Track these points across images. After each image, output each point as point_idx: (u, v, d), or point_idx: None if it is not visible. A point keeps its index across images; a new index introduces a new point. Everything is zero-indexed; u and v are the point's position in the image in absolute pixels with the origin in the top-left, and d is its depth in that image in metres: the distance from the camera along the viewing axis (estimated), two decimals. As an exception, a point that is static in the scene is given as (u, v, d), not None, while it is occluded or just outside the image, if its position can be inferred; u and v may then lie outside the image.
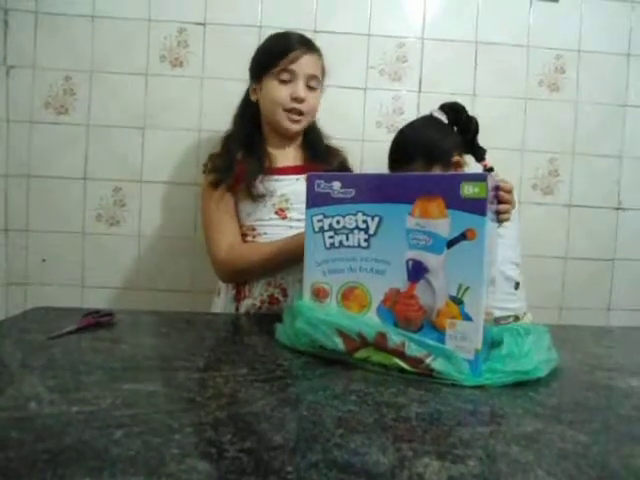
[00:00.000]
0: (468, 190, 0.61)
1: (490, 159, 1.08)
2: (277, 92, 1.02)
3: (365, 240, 0.68)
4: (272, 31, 1.37)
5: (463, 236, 0.61)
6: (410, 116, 1.41)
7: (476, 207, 0.61)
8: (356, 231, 0.68)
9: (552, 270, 1.45)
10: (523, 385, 0.62)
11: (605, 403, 0.59)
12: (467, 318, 0.62)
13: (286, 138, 1.09)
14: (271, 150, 1.08)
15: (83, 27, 1.33)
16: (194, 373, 0.63)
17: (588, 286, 1.47)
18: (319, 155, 1.09)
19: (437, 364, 0.61)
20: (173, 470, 0.40)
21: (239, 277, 1.06)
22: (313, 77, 1.04)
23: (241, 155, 1.05)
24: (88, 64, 1.34)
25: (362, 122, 1.40)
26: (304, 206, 1.02)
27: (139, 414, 0.50)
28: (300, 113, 1.04)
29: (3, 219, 1.34)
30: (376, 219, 0.67)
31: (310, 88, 1.04)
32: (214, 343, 0.85)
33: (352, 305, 0.69)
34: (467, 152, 1.09)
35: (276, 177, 1.05)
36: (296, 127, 1.05)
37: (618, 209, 1.47)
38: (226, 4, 1.35)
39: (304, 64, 1.02)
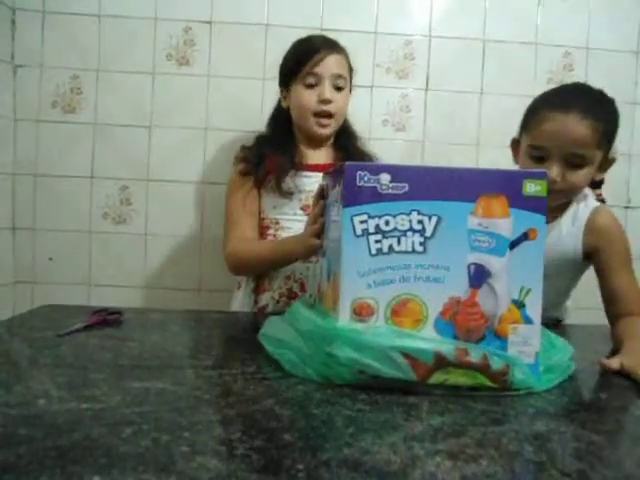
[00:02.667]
0: (530, 188, 0.58)
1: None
2: (304, 97, 1.03)
3: (421, 244, 0.59)
4: (278, 29, 1.37)
5: (525, 236, 0.59)
6: (417, 114, 1.40)
7: (537, 206, 0.59)
8: (410, 233, 0.59)
9: (560, 269, 1.44)
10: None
11: (618, 403, 0.58)
12: (528, 321, 0.60)
13: (317, 142, 1.10)
14: (304, 149, 1.10)
15: (90, 26, 1.33)
16: (203, 371, 0.63)
17: (596, 286, 1.45)
18: (351, 157, 1.08)
19: (514, 374, 0.58)
20: (183, 468, 0.39)
21: (243, 270, 1.08)
22: (339, 77, 1.04)
23: (272, 152, 1.07)
24: (95, 63, 1.34)
25: (369, 120, 1.39)
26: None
27: (148, 412, 0.49)
28: (329, 115, 1.04)
29: (10, 217, 1.34)
30: (434, 219, 0.59)
31: (337, 88, 1.05)
32: (222, 341, 0.84)
33: (405, 321, 0.59)
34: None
35: (306, 173, 1.06)
36: (326, 131, 1.06)
37: (627, 207, 1.45)
38: (232, 2, 1.35)
39: (328, 65, 1.03)
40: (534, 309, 0.60)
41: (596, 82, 1.42)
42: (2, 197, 1.32)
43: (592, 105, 0.86)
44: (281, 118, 1.11)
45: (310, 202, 1.03)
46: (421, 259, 0.59)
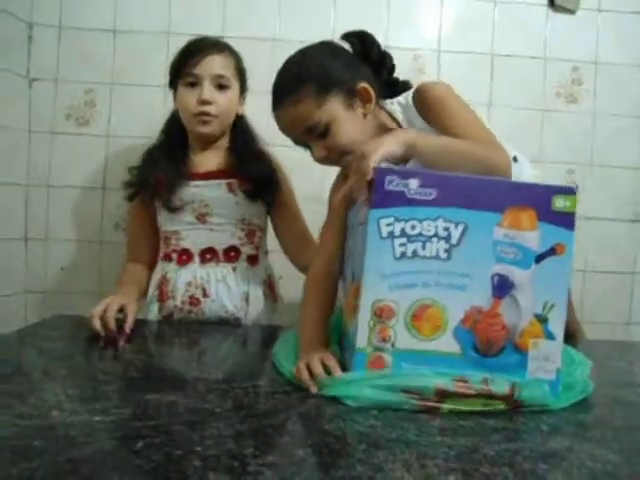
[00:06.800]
0: (559, 203, 0.59)
1: None
2: (185, 97, 1.02)
3: (445, 250, 0.59)
4: (286, 44, 1.38)
5: (552, 251, 0.59)
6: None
7: (566, 221, 0.59)
8: (435, 239, 0.59)
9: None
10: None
11: (634, 421, 0.58)
12: (550, 337, 0.60)
13: (208, 142, 1.07)
14: (195, 156, 1.08)
15: (104, 41, 1.36)
16: (213, 384, 0.63)
17: (607, 300, 1.43)
18: (244, 160, 1.07)
19: (524, 394, 0.58)
20: (196, 483, 0.39)
21: None
22: (221, 77, 1.02)
23: (162, 163, 1.05)
24: (109, 77, 1.36)
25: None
26: (224, 211, 1.03)
27: (160, 425, 0.49)
28: (209, 115, 1.02)
29: (23, 228, 1.36)
30: (460, 227, 0.59)
31: (220, 88, 1.02)
32: (233, 354, 0.85)
33: (424, 326, 0.59)
34: (384, 96, 0.88)
35: (196, 182, 1.04)
36: (207, 129, 1.03)
37: (634, 221, 1.44)
38: (243, 17, 1.37)
39: (208, 65, 1.01)
40: (557, 325, 0.60)
41: (605, 96, 1.44)
42: (15, 207, 1.33)
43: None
44: (175, 122, 1.09)
45: (203, 211, 1.03)
46: (445, 266, 0.59)
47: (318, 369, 0.61)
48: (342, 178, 0.90)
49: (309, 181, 1.30)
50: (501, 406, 0.57)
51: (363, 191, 0.61)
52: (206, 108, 1.01)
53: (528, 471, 0.44)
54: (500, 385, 0.57)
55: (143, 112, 1.36)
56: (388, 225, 0.59)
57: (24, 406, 0.53)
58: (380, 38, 1.38)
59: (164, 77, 1.36)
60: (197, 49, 1.02)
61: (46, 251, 1.36)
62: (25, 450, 0.43)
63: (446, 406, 0.57)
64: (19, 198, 1.34)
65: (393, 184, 0.59)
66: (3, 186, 1.28)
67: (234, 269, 1.04)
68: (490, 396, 0.57)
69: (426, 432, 0.51)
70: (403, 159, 0.68)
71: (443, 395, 0.57)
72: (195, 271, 1.02)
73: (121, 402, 0.56)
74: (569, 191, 0.60)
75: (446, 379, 0.57)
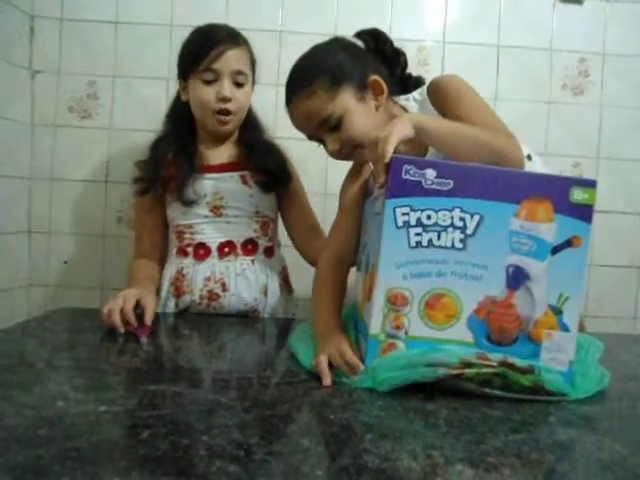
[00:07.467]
0: (578, 195, 0.59)
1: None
2: (202, 93, 0.99)
3: (461, 240, 0.59)
4: (292, 36, 1.38)
5: (568, 243, 0.59)
6: (430, 120, 1.40)
7: (583, 213, 0.59)
8: (450, 229, 0.59)
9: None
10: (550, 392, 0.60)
11: (641, 412, 0.57)
12: (564, 329, 0.60)
13: (219, 138, 1.06)
14: (205, 148, 1.05)
15: (107, 33, 1.35)
16: (218, 374, 0.63)
17: (614, 294, 1.43)
18: (255, 152, 1.05)
19: (544, 374, 0.58)
20: (202, 471, 0.39)
21: None
22: (239, 73, 1.00)
23: (172, 156, 1.02)
24: (111, 69, 1.35)
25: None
26: (239, 204, 1.02)
27: (165, 415, 0.49)
28: (228, 112, 1.00)
29: (26, 221, 1.36)
30: (476, 217, 0.59)
31: (237, 84, 1.00)
32: (238, 345, 0.84)
33: (437, 315, 0.60)
34: (398, 92, 0.88)
35: (209, 175, 1.03)
36: (226, 128, 1.02)
37: (644, 215, 1.43)
38: (247, 9, 1.36)
39: (227, 61, 0.98)
40: (571, 317, 0.60)
41: (612, 88, 1.42)
42: (19, 201, 1.33)
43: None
44: (180, 113, 1.06)
45: (217, 204, 1.01)
46: (460, 256, 0.60)
47: (343, 368, 0.61)
48: (354, 173, 0.91)
49: (311, 174, 1.29)
50: (526, 382, 0.57)
51: (382, 175, 0.61)
52: (225, 105, 0.99)
53: (535, 461, 0.44)
54: (519, 362, 0.58)
55: (146, 104, 1.36)
56: (404, 215, 0.59)
57: (29, 397, 0.53)
58: (385, 29, 1.37)
59: (167, 69, 1.35)
60: (215, 41, 0.98)
61: (49, 244, 1.36)
62: (31, 439, 0.43)
63: (470, 371, 0.57)
64: (22, 191, 1.34)
65: (410, 173, 0.59)
66: (6, 179, 1.28)
67: (253, 262, 1.02)
68: (512, 366, 0.57)
69: (432, 423, 0.51)
70: (421, 148, 0.68)
71: (466, 365, 0.57)
72: (214, 265, 1.00)
73: (126, 393, 0.56)
74: (588, 183, 0.59)
75: (469, 353, 0.58)
